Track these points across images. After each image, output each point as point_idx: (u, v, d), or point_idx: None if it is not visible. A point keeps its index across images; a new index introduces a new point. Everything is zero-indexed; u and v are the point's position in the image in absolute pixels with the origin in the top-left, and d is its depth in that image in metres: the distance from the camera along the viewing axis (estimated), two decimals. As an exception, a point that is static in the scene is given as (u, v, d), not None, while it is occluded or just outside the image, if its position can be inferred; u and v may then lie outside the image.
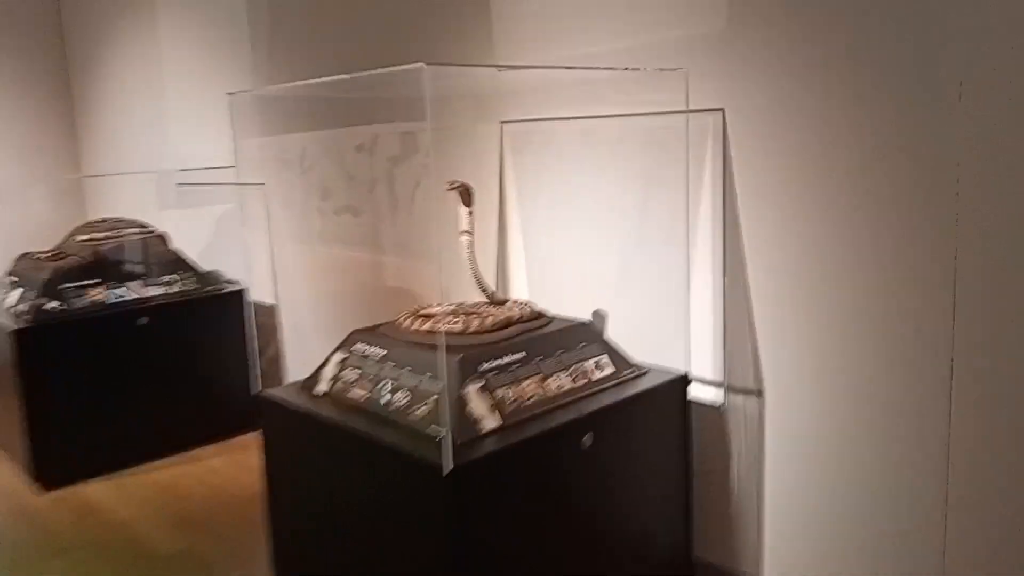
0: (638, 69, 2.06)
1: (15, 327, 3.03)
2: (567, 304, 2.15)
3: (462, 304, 2.08)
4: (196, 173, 3.93)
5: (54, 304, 3.15)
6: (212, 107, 3.92)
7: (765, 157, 1.88)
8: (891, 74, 1.64)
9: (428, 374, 1.72)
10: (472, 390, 1.68)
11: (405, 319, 1.98)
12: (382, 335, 1.95)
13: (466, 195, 1.96)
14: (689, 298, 2.09)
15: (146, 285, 3.43)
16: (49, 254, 3.46)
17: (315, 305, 3.49)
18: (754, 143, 1.89)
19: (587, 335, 2.00)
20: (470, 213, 1.96)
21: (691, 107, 1.97)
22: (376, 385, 1.81)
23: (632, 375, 1.99)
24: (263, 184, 3.65)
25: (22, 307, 3.15)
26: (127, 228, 3.69)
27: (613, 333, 2.08)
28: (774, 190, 1.87)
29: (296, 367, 3.73)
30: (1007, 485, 1.61)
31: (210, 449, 3.45)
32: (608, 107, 2.18)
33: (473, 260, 1.97)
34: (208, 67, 3.98)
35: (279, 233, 3.52)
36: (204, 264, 3.77)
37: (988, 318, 1.59)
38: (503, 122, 2.47)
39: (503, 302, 2.07)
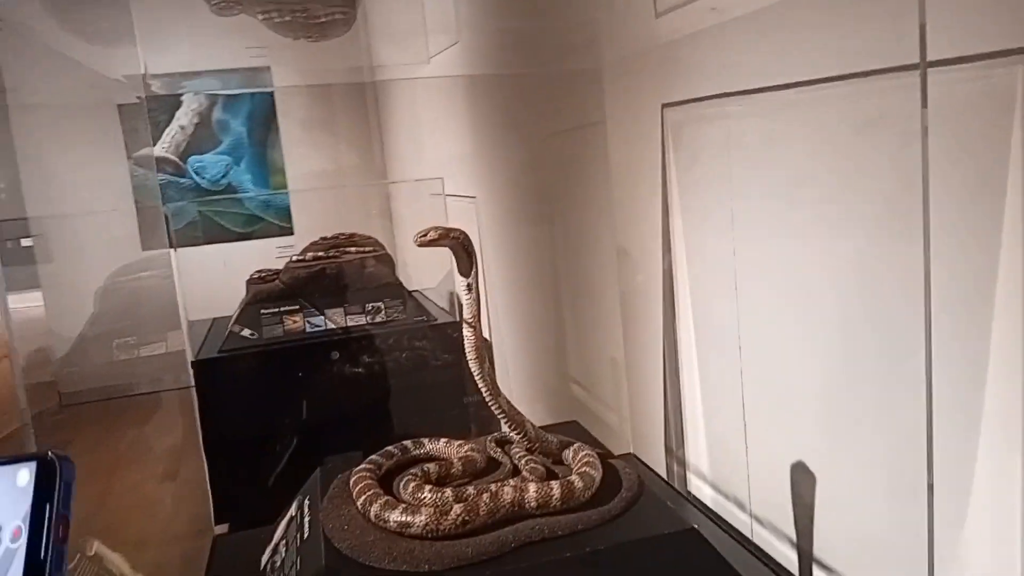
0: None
1: (193, 358, 2.82)
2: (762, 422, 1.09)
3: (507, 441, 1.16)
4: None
5: (247, 332, 2.89)
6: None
7: None
8: None
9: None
10: None
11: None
12: (343, 507, 1.12)
13: (462, 253, 1.02)
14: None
15: (347, 314, 3.02)
16: (265, 274, 3.24)
17: (528, 347, 2.75)
18: None
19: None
20: (469, 287, 1.03)
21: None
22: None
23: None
24: (475, 198, 3.01)
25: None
26: (352, 247, 3.33)
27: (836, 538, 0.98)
28: None
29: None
30: None
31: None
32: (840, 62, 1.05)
33: (484, 370, 1.04)
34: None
35: (497, 252, 2.85)
36: (442, 287, 3.28)
37: None
38: (665, 105, 1.44)
39: (557, 451, 1.10)
